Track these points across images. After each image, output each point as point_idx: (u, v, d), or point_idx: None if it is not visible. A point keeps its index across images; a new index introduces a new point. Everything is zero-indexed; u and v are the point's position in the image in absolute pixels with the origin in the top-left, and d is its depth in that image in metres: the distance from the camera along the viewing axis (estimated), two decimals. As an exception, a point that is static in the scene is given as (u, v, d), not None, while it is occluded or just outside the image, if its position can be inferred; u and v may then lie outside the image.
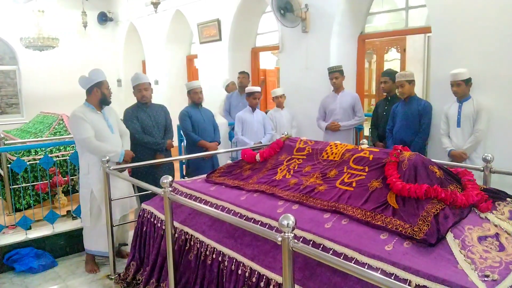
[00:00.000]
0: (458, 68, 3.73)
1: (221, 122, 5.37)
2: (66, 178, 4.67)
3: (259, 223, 2.30)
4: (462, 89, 3.71)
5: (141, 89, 3.95)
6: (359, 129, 4.82)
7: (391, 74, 4.39)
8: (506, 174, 2.83)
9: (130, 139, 3.73)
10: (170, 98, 8.29)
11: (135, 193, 3.79)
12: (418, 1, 4.94)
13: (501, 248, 1.83)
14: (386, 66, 7.05)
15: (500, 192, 2.32)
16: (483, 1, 3.69)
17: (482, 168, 2.83)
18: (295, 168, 2.84)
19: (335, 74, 4.64)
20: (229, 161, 3.50)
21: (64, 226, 3.88)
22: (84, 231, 3.55)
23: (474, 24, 3.78)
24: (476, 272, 1.62)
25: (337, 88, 4.71)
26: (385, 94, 4.47)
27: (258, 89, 4.92)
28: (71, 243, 3.80)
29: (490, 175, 2.80)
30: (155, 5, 7.07)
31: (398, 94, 4.22)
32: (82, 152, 3.44)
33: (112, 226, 3.26)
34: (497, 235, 1.92)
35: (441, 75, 4.09)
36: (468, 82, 3.71)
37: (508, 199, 2.28)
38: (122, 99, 9.63)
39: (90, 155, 3.37)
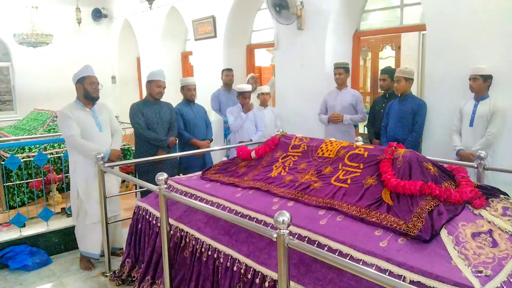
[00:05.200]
0: (479, 64, 3.63)
1: (215, 119, 5.35)
2: (60, 175, 4.65)
3: (255, 220, 2.31)
4: (478, 84, 3.56)
5: (161, 86, 4.03)
6: (354, 126, 4.83)
7: (389, 71, 4.40)
8: (500, 171, 2.86)
9: (134, 134, 3.72)
10: (165, 95, 8.24)
11: (136, 194, 3.78)
12: (413, -2, 4.95)
13: (494, 244, 1.85)
14: (381, 63, 7.06)
15: (493, 189, 2.35)
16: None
17: (476, 165, 2.85)
18: (290, 165, 2.85)
19: (339, 70, 4.61)
20: (224, 159, 3.50)
21: (59, 223, 3.86)
22: (75, 230, 3.55)
23: (468, 21, 3.79)
24: (469, 268, 1.64)
25: (340, 85, 4.70)
26: (383, 91, 4.48)
27: (248, 87, 4.87)
28: (65, 240, 3.79)
29: (483, 172, 2.82)
30: (150, 1, 7.03)
31: (394, 89, 4.22)
32: (70, 150, 3.43)
33: (107, 223, 3.26)
34: (490, 232, 1.93)
35: (436, 73, 4.11)
36: (486, 79, 3.55)
37: (501, 195, 2.31)
38: (117, 96, 9.59)
39: (77, 153, 3.35)
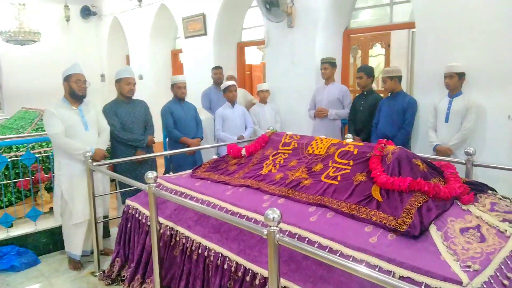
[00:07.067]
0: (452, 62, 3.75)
1: (206, 117, 5.33)
2: (48, 175, 4.59)
3: (245, 217, 2.30)
4: (454, 81, 3.69)
5: (131, 83, 3.89)
6: (344, 123, 4.85)
7: (366, 69, 4.44)
8: (487, 167, 2.89)
9: (110, 136, 3.66)
10: (155, 93, 8.20)
11: (116, 194, 3.73)
12: (403, -4, 4.98)
13: (482, 239, 1.86)
14: (371, 61, 7.09)
15: (481, 185, 2.37)
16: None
17: (464, 162, 2.88)
18: (281, 163, 2.84)
19: (325, 65, 4.71)
20: (215, 157, 3.49)
21: (47, 223, 3.81)
22: (62, 230, 3.52)
23: (458, 19, 3.82)
24: (458, 262, 1.65)
25: (326, 79, 4.77)
26: (361, 89, 4.51)
27: (232, 82, 4.89)
28: (54, 240, 3.74)
29: (472, 168, 2.85)
30: (139, -1, 6.98)
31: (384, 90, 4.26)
32: (55, 149, 3.40)
33: (96, 223, 3.23)
34: (478, 227, 1.95)
35: (425, 70, 4.14)
36: (461, 76, 3.69)
37: (489, 191, 2.33)
38: (106, 94, 9.50)
39: (61, 152, 3.31)
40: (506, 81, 3.59)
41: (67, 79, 3.34)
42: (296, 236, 2.03)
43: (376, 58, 7.46)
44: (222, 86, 4.91)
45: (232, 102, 4.84)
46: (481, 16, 3.66)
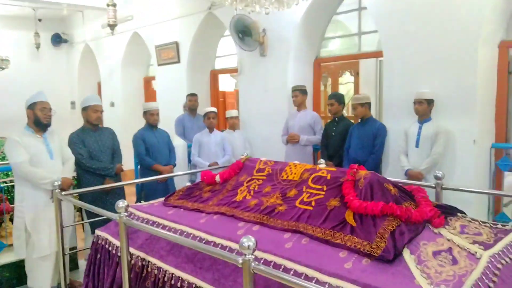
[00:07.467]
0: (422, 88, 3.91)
1: (180, 144, 5.30)
2: (13, 205, 4.39)
3: (219, 246, 2.26)
4: (423, 108, 3.82)
5: (98, 111, 3.84)
6: (316, 149, 4.91)
7: (336, 96, 4.58)
8: (456, 190, 2.96)
9: (76, 165, 3.56)
10: (126, 120, 8.11)
11: (83, 225, 3.59)
12: (370, 27, 5.19)
13: (454, 261, 1.89)
14: (341, 88, 7.27)
15: (451, 208, 2.43)
16: (431, 27, 3.93)
17: (434, 185, 2.95)
18: (255, 189, 2.83)
19: (295, 92, 4.85)
20: (188, 184, 3.44)
21: (11, 256, 3.61)
22: (25, 264, 3.34)
23: (422, 48, 4.01)
24: (431, 286, 1.66)
25: (298, 106, 4.88)
26: (332, 115, 4.63)
27: (213, 109, 4.95)
28: (18, 275, 3.54)
29: (441, 192, 2.91)
30: (112, 27, 6.97)
31: (354, 116, 4.37)
32: (17, 180, 3.27)
33: (63, 255, 3.08)
34: (450, 250, 1.98)
35: (393, 97, 4.29)
36: (430, 102, 3.83)
37: (458, 214, 2.39)
38: (76, 122, 9.30)
39: (24, 182, 3.20)
40: (469, 107, 3.75)
41: (31, 107, 3.26)
42: (272, 263, 2.00)
43: (345, 86, 7.67)
44: (202, 112, 4.96)
45: (211, 129, 4.86)
46: (444, 45, 3.85)
